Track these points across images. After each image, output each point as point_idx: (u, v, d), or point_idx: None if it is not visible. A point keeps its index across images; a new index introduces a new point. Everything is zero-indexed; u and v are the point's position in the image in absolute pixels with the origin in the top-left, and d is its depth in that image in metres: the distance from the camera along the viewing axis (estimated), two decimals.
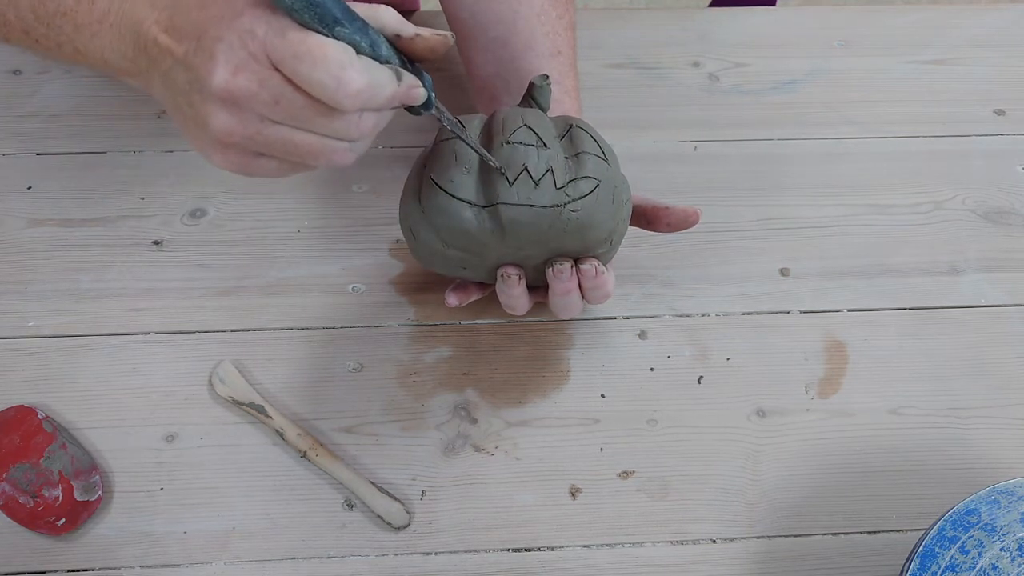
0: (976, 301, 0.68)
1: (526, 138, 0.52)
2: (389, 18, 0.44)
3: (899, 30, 0.83)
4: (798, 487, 0.60)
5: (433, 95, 0.47)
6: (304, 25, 0.41)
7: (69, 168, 0.71)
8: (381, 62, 0.43)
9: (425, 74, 0.46)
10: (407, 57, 0.46)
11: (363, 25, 0.42)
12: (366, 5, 0.44)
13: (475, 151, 0.51)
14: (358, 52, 0.42)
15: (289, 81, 0.41)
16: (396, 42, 0.45)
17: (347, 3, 0.42)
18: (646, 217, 0.60)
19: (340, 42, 0.41)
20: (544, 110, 0.56)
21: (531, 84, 0.56)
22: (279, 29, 0.40)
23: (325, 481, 0.59)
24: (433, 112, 0.48)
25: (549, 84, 0.56)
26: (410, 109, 0.46)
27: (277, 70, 0.40)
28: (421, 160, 0.55)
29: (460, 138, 0.51)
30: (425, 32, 0.45)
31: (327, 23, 0.41)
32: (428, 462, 0.60)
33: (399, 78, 0.43)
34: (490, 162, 0.51)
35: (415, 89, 0.45)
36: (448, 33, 0.45)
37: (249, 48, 0.40)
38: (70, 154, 0.71)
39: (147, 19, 0.43)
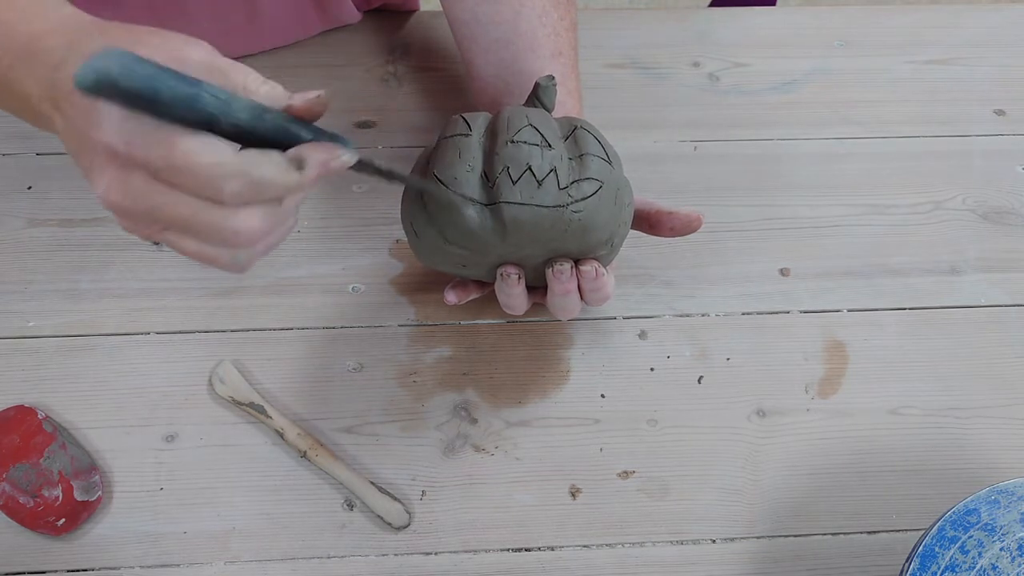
0: (976, 301, 0.68)
1: (530, 137, 0.52)
2: (266, 95, 0.40)
3: (899, 30, 0.83)
4: (798, 487, 0.60)
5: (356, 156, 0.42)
6: (168, 119, 0.36)
7: (69, 168, 0.70)
8: (269, 137, 0.39)
9: (341, 137, 0.42)
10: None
11: (254, 104, 0.39)
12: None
13: (402, 182, 0.50)
14: (238, 128, 0.38)
15: (164, 184, 0.39)
16: (289, 111, 0.40)
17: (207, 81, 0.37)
18: (649, 221, 0.60)
19: (213, 139, 0.37)
20: (549, 111, 0.56)
21: (536, 84, 0.56)
22: (146, 140, 0.37)
23: (325, 481, 0.59)
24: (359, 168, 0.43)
25: (555, 85, 0.56)
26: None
27: (154, 179, 0.38)
28: (424, 157, 0.55)
29: (399, 178, 0.49)
30: (296, 99, 0.41)
31: (196, 116, 0.37)
32: (428, 462, 0.60)
33: (300, 167, 0.39)
34: (422, 187, 0.51)
35: (335, 163, 0.40)
36: (319, 92, 0.41)
37: (115, 164, 0.39)
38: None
39: (33, 94, 0.43)
